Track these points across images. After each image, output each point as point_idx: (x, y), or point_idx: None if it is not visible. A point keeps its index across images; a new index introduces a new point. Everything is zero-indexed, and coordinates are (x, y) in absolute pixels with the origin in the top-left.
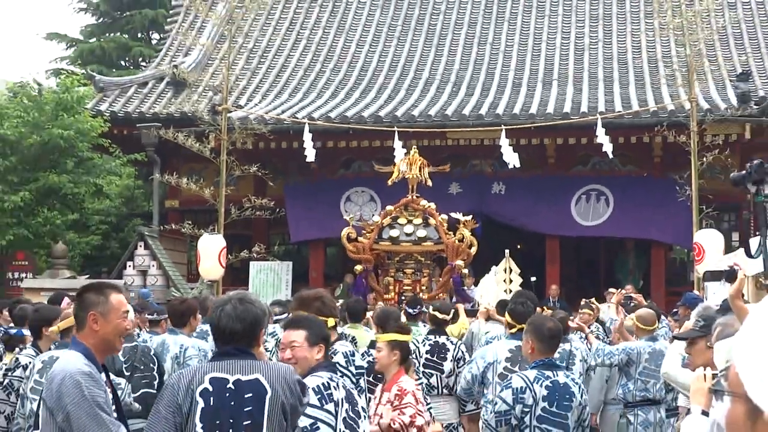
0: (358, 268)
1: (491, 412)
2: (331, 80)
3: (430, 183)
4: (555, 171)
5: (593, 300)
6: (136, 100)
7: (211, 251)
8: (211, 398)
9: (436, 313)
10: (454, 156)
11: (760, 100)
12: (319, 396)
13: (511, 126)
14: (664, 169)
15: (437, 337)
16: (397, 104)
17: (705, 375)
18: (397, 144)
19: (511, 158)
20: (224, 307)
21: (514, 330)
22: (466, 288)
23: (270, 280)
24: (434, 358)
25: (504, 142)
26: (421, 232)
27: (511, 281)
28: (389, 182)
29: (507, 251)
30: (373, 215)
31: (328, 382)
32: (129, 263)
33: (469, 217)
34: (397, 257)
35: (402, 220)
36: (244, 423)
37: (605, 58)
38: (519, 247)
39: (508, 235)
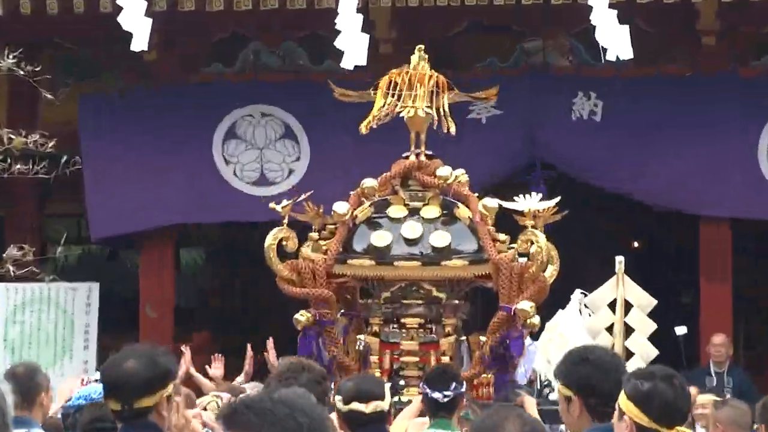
0: (301, 318)
1: None
2: None
3: (453, 130)
4: (717, 66)
5: None
6: None
7: None
8: None
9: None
10: (473, 32)
11: None
12: None
13: None
14: None
15: None
16: None
17: None
18: (346, 4)
19: (615, 43)
20: None
21: None
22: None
23: (46, 325)
24: None
25: None
26: (440, 237)
27: (628, 332)
28: (363, 128)
29: (620, 260)
30: (291, 171)
31: None
32: None
33: (552, 202)
34: (388, 291)
35: (396, 211)
36: None
37: None
38: (636, 245)
39: (605, 211)
